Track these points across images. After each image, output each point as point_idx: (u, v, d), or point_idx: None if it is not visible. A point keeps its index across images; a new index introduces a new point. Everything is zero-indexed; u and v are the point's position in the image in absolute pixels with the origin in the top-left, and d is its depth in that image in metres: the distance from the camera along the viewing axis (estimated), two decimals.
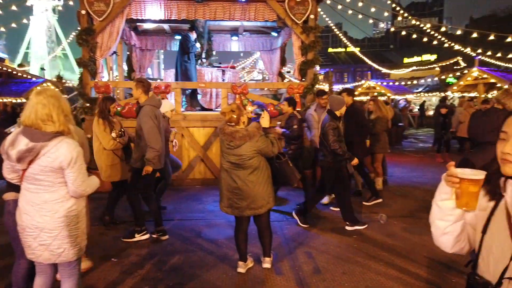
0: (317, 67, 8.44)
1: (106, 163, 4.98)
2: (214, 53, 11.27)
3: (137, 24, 9.93)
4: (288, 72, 13.12)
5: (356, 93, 17.38)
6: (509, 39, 13.33)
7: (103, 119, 4.95)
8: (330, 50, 75.33)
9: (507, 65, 20.73)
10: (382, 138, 6.87)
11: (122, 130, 5.10)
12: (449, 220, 1.40)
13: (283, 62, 10.91)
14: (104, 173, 5.00)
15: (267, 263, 4.02)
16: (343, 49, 71.80)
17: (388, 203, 6.41)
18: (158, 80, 11.01)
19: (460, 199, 1.29)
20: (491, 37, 13.37)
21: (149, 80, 4.99)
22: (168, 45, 11.16)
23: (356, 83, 29.40)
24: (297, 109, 7.82)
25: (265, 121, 3.94)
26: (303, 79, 8.24)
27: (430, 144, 13.58)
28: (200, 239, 4.89)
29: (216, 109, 9.07)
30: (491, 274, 1.31)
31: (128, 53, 10.48)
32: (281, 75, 10.93)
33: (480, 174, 1.26)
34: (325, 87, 11.21)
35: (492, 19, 42.99)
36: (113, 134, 4.94)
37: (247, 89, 7.98)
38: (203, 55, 10.24)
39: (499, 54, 17.85)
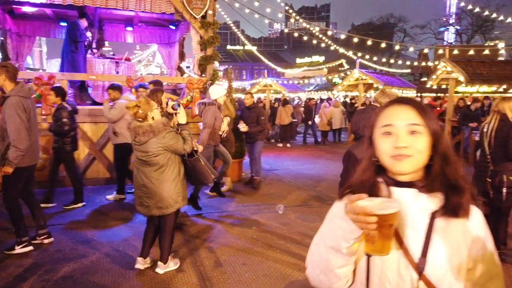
0: (217, 63, 8.49)
1: None
2: (106, 43, 10.52)
3: (13, 6, 8.73)
4: (188, 67, 12.95)
5: (254, 90, 17.97)
6: (383, 45, 15.20)
7: None
8: (229, 47, 76.35)
9: (381, 67, 23.60)
10: (230, 138, 6.81)
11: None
12: (351, 263, 1.10)
13: (182, 57, 10.71)
14: None
15: (159, 268, 3.77)
16: (241, 47, 73.41)
17: (284, 194, 6.80)
18: (40, 71, 9.85)
19: (376, 243, 0.96)
20: (369, 42, 15.08)
21: (27, 69, 4.42)
22: (52, 32, 10.04)
23: (254, 81, 30.40)
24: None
25: (181, 117, 3.80)
26: (203, 75, 8.22)
27: (320, 138, 14.76)
28: (94, 242, 4.55)
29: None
30: None
31: (1, 38, 9.16)
32: (180, 70, 10.72)
33: (394, 203, 0.98)
34: (225, 83, 11.36)
35: (370, 27, 48.41)
36: None
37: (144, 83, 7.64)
38: (94, 45, 9.48)
39: (375, 58, 20.20)
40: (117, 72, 9.08)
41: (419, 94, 18.93)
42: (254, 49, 29.43)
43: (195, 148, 3.87)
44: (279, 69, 34.78)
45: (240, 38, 23.74)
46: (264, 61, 30.41)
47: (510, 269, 3.95)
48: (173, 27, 10.28)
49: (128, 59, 9.90)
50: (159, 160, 3.56)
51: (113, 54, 10.72)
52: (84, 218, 5.42)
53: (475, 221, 1.09)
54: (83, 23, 8.30)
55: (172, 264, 3.87)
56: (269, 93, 17.78)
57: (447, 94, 11.76)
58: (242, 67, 69.05)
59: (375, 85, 13.84)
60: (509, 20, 14.43)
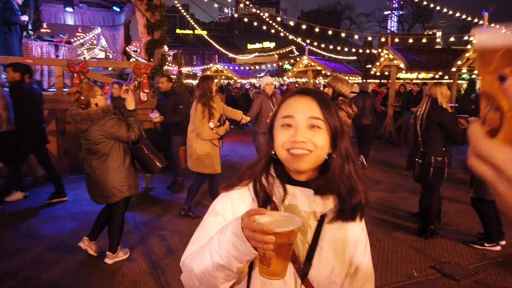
0: (166, 48, 8.26)
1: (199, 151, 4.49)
2: (44, 25, 9.82)
3: None
4: (135, 51, 12.46)
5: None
6: (330, 32, 15.59)
7: (204, 105, 4.32)
8: (178, 31, 74.25)
9: (330, 54, 24.23)
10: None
11: (223, 118, 4.59)
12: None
13: (127, 40, 10.28)
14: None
15: (108, 259, 3.68)
16: (191, 31, 71.69)
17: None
18: None
19: (272, 265, 0.85)
20: (317, 29, 15.39)
21: None
22: None
23: (205, 66, 29.95)
24: (146, 90, 7.57)
25: (129, 103, 3.63)
26: (151, 59, 7.97)
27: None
28: (37, 236, 4.33)
29: (49, 89, 7.98)
30: None
31: None
32: (126, 54, 10.30)
33: (295, 219, 0.87)
34: (175, 68, 11.07)
35: (319, 14, 49.34)
36: (211, 124, 4.37)
37: (87, 67, 7.27)
38: (30, 27, 8.81)
39: (323, 45, 20.71)
40: (57, 56, 8.55)
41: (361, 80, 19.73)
42: (204, 33, 28.90)
43: (142, 136, 3.74)
44: (230, 55, 34.52)
45: (190, 22, 23.20)
46: (215, 46, 30.01)
47: (442, 242, 4.32)
48: (118, 9, 9.81)
49: (68, 42, 9.34)
50: (100, 148, 3.44)
51: (52, 37, 10.04)
52: (27, 210, 5.13)
53: (362, 225, 1.09)
54: (16, 1, 7.67)
55: (122, 254, 3.79)
56: (220, 79, 17.65)
57: (389, 80, 12.36)
58: (193, 51, 67.60)
59: (323, 72, 14.20)
60: (445, 10, 15.37)
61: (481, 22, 8.34)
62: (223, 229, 0.92)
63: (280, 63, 30.56)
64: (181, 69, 8.36)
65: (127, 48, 10.35)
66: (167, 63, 8.18)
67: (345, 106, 3.80)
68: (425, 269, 3.68)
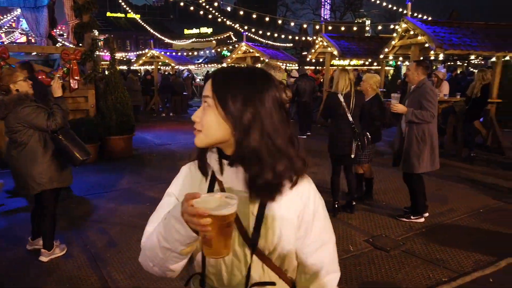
0: (96, 32, 7.77)
1: None
2: None
3: None
4: (61, 35, 11.58)
5: (140, 62, 17.04)
6: (267, 19, 15.73)
7: None
8: (108, 14, 70.01)
9: (267, 41, 24.46)
10: None
11: None
12: (188, 256, 1.02)
13: (53, 24, 9.49)
14: None
15: (43, 256, 3.49)
16: (123, 15, 67.99)
17: (177, 168, 6.76)
18: None
19: (214, 246, 0.88)
20: (254, 16, 15.44)
21: None
22: None
23: (140, 52, 28.68)
24: (76, 77, 7.11)
25: (55, 90, 3.36)
26: (80, 44, 7.47)
27: None
28: None
29: None
30: (228, 287, 1.05)
31: None
32: (52, 38, 9.53)
33: (233, 199, 0.89)
34: (107, 54, 10.49)
35: (255, 0, 49.34)
36: None
37: (8, 52, 6.64)
38: None
39: (261, 31, 20.85)
40: None
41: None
42: (137, 17, 27.60)
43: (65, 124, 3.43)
44: (166, 40, 33.40)
45: (121, 5, 22.00)
46: (150, 31, 28.83)
47: (375, 217, 4.68)
48: None
49: None
50: (17, 137, 3.23)
51: None
52: None
53: (306, 192, 1.08)
54: None
55: (58, 250, 3.61)
56: (156, 65, 17.06)
57: (324, 67, 12.84)
58: (126, 36, 64.18)
59: (261, 58, 14.34)
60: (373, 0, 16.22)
61: (405, 11, 8.91)
62: (167, 213, 0.95)
63: (219, 49, 30.24)
64: (114, 54, 7.93)
65: (52, 32, 9.57)
66: (98, 48, 7.72)
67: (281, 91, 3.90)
68: (360, 243, 3.97)
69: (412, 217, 4.52)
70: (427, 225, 4.43)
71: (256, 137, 0.96)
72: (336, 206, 4.67)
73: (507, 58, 8.07)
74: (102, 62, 8.21)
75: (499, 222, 4.51)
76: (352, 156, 4.52)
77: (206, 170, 1.07)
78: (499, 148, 8.00)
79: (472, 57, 9.22)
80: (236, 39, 33.85)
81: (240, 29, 18.61)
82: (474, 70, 14.36)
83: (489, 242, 4.02)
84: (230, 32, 36.24)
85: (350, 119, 4.47)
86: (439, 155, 4.46)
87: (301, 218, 1.06)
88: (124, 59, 27.93)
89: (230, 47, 24.90)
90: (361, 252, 3.78)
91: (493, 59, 8.25)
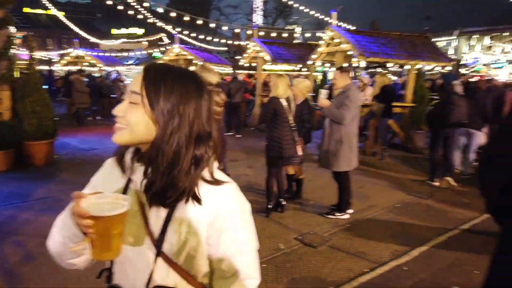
0: (13, 29, 7.14)
1: None
2: None
3: None
4: None
5: (64, 62, 15.96)
6: (200, 22, 15.66)
7: None
8: (26, 10, 64.51)
9: (200, 44, 24.33)
10: None
11: None
12: (86, 252, 1.00)
13: None
14: None
15: None
16: (43, 11, 63.08)
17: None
18: None
19: (98, 246, 0.87)
20: (186, 18, 15.29)
21: None
22: None
23: (63, 51, 26.82)
24: None
25: None
26: None
27: None
28: None
29: None
30: (132, 286, 1.04)
31: None
32: None
33: (125, 202, 0.88)
34: (26, 53, 9.67)
35: (188, 2, 48.76)
36: None
37: None
38: None
39: (194, 34, 20.67)
40: None
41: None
42: (59, 14, 25.81)
43: None
44: (92, 39, 31.63)
45: (41, 1, 20.43)
46: (74, 29, 27.12)
47: (304, 216, 4.88)
48: None
49: None
50: None
51: None
52: None
53: (223, 197, 1.03)
54: None
55: None
56: (81, 65, 16.10)
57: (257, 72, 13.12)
58: (47, 34, 59.67)
59: (194, 61, 14.22)
60: (302, 7, 16.94)
61: (331, 20, 9.45)
62: (64, 211, 0.97)
63: (150, 51, 29.39)
64: (33, 53, 7.34)
65: None
66: (14, 46, 7.10)
67: (213, 95, 3.92)
68: (290, 241, 4.12)
69: (337, 214, 4.80)
70: (351, 221, 4.73)
71: (179, 142, 0.94)
72: (270, 206, 4.80)
73: (419, 66, 8.92)
74: (19, 61, 7.52)
75: (413, 215, 4.97)
76: (300, 154, 4.80)
77: (124, 168, 1.04)
78: (414, 148, 8.80)
79: (390, 64, 10.02)
80: (169, 41, 33.17)
81: (172, 30, 18.27)
82: (393, 77, 15.63)
83: (404, 233, 4.41)
84: (162, 34, 35.41)
85: (292, 122, 4.68)
86: (358, 155, 4.83)
87: (214, 223, 1.01)
88: (45, 58, 25.93)
89: (163, 49, 24.31)
90: (291, 249, 3.93)
91: (407, 66, 9.07)
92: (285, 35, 18.09)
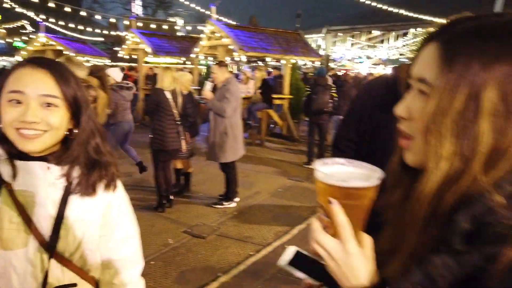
0: None
1: None
2: None
3: None
4: None
5: None
6: (68, 9, 14.22)
7: None
8: None
9: (73, 34, 22.14)
10: None
11: None
12: None
13: None
14: None
15: None
16: None
17: None
18: None
19: None
20: (52, 5, 13.73)
21: None
22: None
23: None
24: None
25: None
26: None
27: None
28: None
29: None
30: None
31: None
32: None
33: None
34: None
35: None
36: None
37: None
38: None
39: (62, 22, 18.68)
40: None
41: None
42: None
43: None
44: None
45: None
46: None
47: (192, 208, 4.94)
48: None
49: None
50: None
51: None
52: None
53: (116, 192, 1.12)
54: None
55: None
56: None
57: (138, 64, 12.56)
58: None
59: (65, 52, 12.92)
60: (182, 0, 16.73)
61: (210, 13, 9.56)
62: None
63: (10, 40, 25.65)
64: None
65: None
66: None
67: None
68: (179, 235, 4.14)
69: (224, 203, 4.97)
70: (238, 208, 4.95)
71: (84, 139, 1.00)
72: (160, 202, 4.72)
73: (293, 61, 9.67)
74: None
75: (293, 197, 5.44)
76: (184, 149, 4.77)
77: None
78: (292, 136, 9.54)
79: (269, 59, 10.62)
80: (33, 30, 29.37)
81: (36, 18, 16.24)
82: (271, 70, 16.60)
83: (285, 215, 4.81)
84: (25, 21, 31.14)
85: (177, 116, 4.64)
86: (244, 145, 5.07)
87: (105, 218, 1.08)
88: None
89: (25, 38, 21.45)
90: (180, 243, 3.95)
91: (283, 61, 9.75)
92: (165, 27, 17.62)
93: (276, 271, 3.44)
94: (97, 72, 4.06)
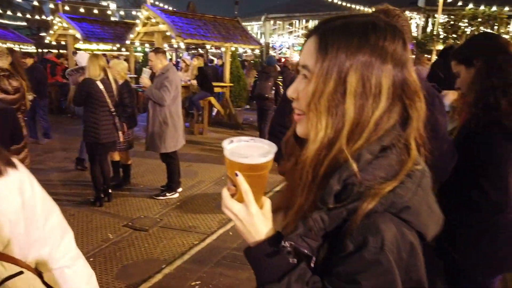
0: None
1: None
2: None
3: None
4: None
5: None
6: None
7: None
8: None
9: None
10: None
11: None
12: None
13: None
14: None
15: None
16: None
17: None
18: None
19: None
20: None
21: None
22: None
23: None
24: None
25: None
26: None
27: None
28: None
29: None
30: None
31: None
32: None
33: None
34: None
35: None
36: None
37: None
38: None
39: None
40: None
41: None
42: None
43: None
44: None
45: None
46: None
47: (133, 201, 4.78)
48: None
49: None
50: None
51: None
52: None
53: (19, 178, 1.06)
54: None
55: None
56: None
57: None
58: None
59: None
60: None
61: None
62: None
63: None
64: None
65: None
66: None
67: (4, 81, 3.33)
68: (119, 229, 4.00)
69: (167, 194, 4.88)
70: (181, 199, 4.89)
71: None
72: (98, 196, 4.52)
73: (233, 48, 9.63)
74: None
75: None
76: (122, 140, 4.65)
77: None
78: (236, 124, 9.57)
79: (208, 46, 10.47)
80: None
81: None
82: (214, 58, 16.40)
83: None
84: None
85: (111, 106, 4.43)
86: (185, 134, 4.99)
87: (24, 203, 1.05)
88: None
89: None
90: (121, 237, 3.82)
91: (223, 48, 9.67)
92: (96, 11, 16.57)
93: (221, 257, 3.47)
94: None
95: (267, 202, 0.76)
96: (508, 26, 14.20)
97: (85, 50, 14.40)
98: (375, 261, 0.66)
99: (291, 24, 21.27)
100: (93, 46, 12.16)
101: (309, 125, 0.73)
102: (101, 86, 4.35)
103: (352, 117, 0.70)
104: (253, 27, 20.13)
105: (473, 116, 1.62)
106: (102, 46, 12.41)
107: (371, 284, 0.66)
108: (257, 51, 10.31)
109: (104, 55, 12.51)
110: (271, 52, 19.05)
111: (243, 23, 10.59)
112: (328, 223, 0.70)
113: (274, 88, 7.18)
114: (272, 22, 19.32)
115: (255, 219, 0.73)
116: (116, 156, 5.13)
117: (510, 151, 1.57)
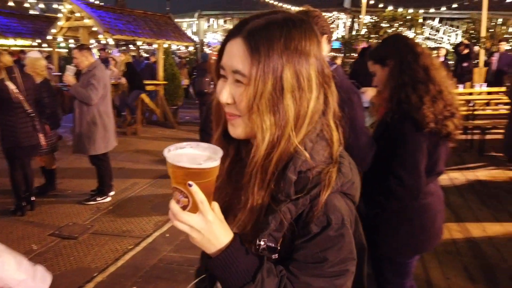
0: None
1: None
2: None
3: None
4: None
5: None
6: None
7: None
8: None
9: None
10: None
11: None
12: None
13: None
14: None
15: None
16: None
17: None
18: None
19: None
20: None
21: None
22: None
23: None
24: None
25: None
26: None
27: None
28: None
29: None
30: None
31: None
32: None
33: None
34: None
35: None
36: None
37: None
38: None
39: None
40: None
41: None
42: None
43: None
44: None
45: None
46: None
47: (60, 208, 4.48)
48: None
49: None
50: None
51: None
52: None
53: None
54: None
55: None
56: None
57: None
58: None
59: None
60: None
61: None
62: None
63: None
64: None
65: None
66: None
67: None
68: (45, 239, 3.72)
69: (98, 199, 4.63)
70: (113, 202, 4.67)
71: None
72: (19, 205, 4.16)
73: (166, 45, 9.38)
74: None
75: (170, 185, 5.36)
76: (43, 144, 4.29)
77: None
78: (169, 123, 9.35)
79: (139, 42, 10.09)
80: None
81: None
82: (146, 55, 15.83)
83: (165, 204, 4.63)
84: None
85: (27, 106, 4.07)
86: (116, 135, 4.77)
87: None
88: None
89: None
90: (46, 247, 3.56)
91: (155, 45, 9.38)
92: (11, 4, 15.13)
93: (157, 260, 3.38)
94: None
95: (216, 206, 0.75)
96: (423, 27, 15.52)
97: (1, 45, 13.14)
98: (339, 236, 0.74)
99: (225, 21, 21.26)
100: (10, 41, 11.14)
101: (253, 127, 0.75)
102: (12, 87, 3.98)
103: (294, 111, 0.74)
104: (187, 24, 19.79)
105: (388, 110, 1.76)
106: (20, 42, 11.41)
107: (336, 256, 0.74)
108: (191, 48, 10.14)
109: (23, 51, 11.52)
110: (206, 50, 18.89)
111: (176, 20, 10.37)
112: (294, 212, 0.75)
113: (212, 82, 7.22)
114: (205, 18, 19.14)
115: (213, 226, 0.72)
116: (39, 161, 4.76)
117: (420, 140, 1.72)
